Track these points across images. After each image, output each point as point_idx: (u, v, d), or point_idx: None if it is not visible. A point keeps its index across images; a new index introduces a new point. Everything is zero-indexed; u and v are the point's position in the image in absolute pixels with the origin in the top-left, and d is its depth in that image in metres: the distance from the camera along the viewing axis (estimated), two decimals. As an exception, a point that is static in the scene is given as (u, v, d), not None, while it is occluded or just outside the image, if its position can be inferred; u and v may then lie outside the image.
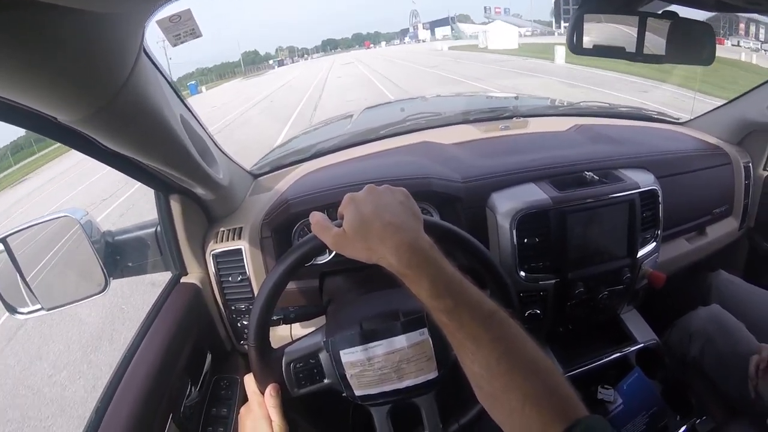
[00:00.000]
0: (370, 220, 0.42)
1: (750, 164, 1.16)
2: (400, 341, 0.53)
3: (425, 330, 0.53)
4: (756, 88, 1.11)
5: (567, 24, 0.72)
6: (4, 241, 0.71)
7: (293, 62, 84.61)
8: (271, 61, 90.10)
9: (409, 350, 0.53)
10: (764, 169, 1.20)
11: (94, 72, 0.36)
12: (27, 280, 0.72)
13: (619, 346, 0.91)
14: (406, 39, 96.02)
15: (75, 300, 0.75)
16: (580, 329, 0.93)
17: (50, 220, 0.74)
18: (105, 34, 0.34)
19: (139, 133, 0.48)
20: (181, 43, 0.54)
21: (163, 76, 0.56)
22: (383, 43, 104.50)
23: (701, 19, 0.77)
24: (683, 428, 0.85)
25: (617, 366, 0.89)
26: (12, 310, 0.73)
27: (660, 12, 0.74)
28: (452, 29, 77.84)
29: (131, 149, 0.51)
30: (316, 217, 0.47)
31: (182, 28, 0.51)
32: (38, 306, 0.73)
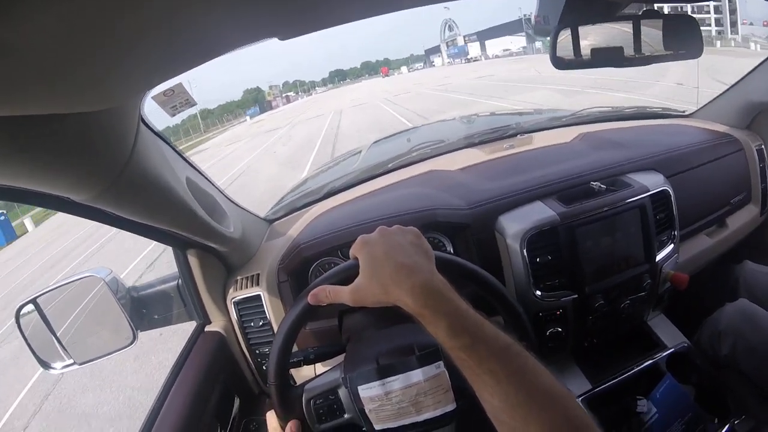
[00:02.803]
0: (384, 263, 0.43)
1: (762, 147, 1.13)
2: (417, 375, 0.54)
3: (441, 363, 0.54)
4: (756, 68, 1.09)
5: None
6: (34, 302, 0.75)
7: (289, 102, 62.74)
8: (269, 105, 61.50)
9: (426, 383, 0.54)
10: None
11: (97, 157, 0.39)
12: (58, 337, 0.76)
13: (649, 354, 0.89)
14: (439, 60, 66.58)
15: (105, 354, 0.79)
16: (606, 342, 0.91)
17: (76, 280, 0.78)
18: (104, 124, 0.37)
19: (147, 202, 0.52)
20: (179, 113, 0.57)
21: (164, 140, 0.59)
22: (404, 69, 74.75)
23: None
24: (724, 431, 0.81)
25: (648, 374, 0.87)
26: (46, 366, 0.77)
27: (640, 13, 0.75)
28: (530, 37, 41.06)
29: (142, 217, 0.54)
30: (324, 292, 0.49)
31: (177, 100, 0.54)
32: (71, 361, 0.77)
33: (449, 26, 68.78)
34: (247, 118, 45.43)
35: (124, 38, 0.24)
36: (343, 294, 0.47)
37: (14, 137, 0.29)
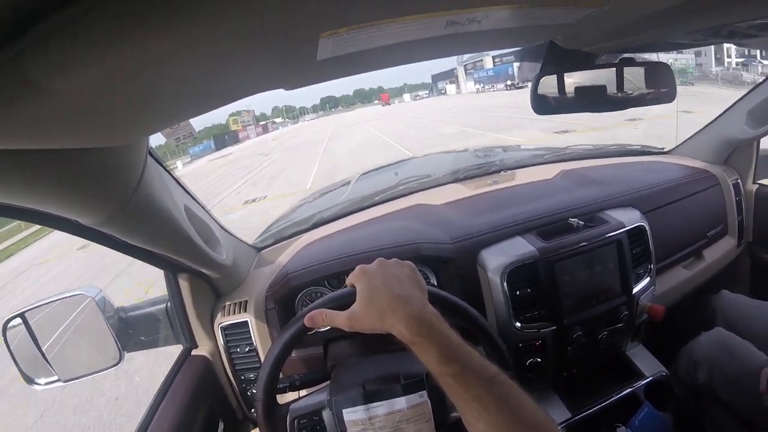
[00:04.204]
0: (381, 292, 0.46)
1: (738, 181, 1.18)
2: (400, 402, 0.56)
3: (424, 393, 0.56)
4: (731, 107, 1.15)
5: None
6: (22, 316, 0.76)
7: (266, 131, 51.28)
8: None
9: (409, 411, 0.56)
10: (754, 183, 1.22)
11: (107, 186, 0.42)
12: (44, 353, 0.76)
13: (627, 383, 0.91)
14: (452, 87, 52.64)
15: (90, 372, 0.79)
16: (585, 371, 0.93)
17: (66, 297, 0.79)
18: (116, 156, 0.40)
19: (150, 228, 0.54)
20: (182, 144, 0.60)
21: (167, 171, 0.62)
22: (406, 96, 65.50)
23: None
24: None
25: (627, 402, 0.89)
26: (30, 381, 0.76)
27: (617, 61, 0.80)
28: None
29: (144, 242, 0.57)
30: (320, 315, 0.51)
31: (181, 132, 0.57)
32: (55, 378, 0.77)
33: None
34: (179, 163, 26.44)
35: (149, 88, 0.27)
36: (339, 319, 0.49)
37: (32, 167, 0.32)
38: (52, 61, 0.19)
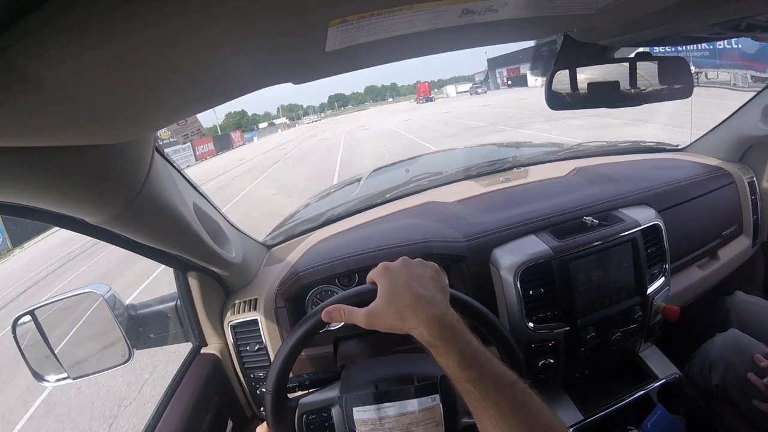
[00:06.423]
0: (403, 292, 0.45)
1: (754, 179, 1.16)
2: (412, 405, 0.55)
3: (437, 396, 0.55)
4: (746, 104, 1.13)
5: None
6: (32, 313, 0.76)
7: (225, 148, 27.90)
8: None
9: (420, 414, 0.55)
10: None
11: (113, 184, 0.41)
12: (54, 350, 0.76)
13: (640, 385, 0.90)
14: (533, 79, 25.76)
15: (100, 370, 0.79)
16: (597, 372, 0.92)
17: (76, 295, 0.79)
18: (122, 153, 0.39)
19: (157, 226, 0.54)
20: (190, 141, 0.59)
21: (174, 167, 0.62)
22: (449, 89, 47.06)
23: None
24: None
25: (640, 405, 0.88)
26: (39, 378, 0.77)
27: (633, 55, 0.78)
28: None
29: (151, 240, 0.57)
30: (338, 311, 0.50)
31: (189, 129, 0.56)
32: (64, 375, 0.77)
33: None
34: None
35: (147, 81, 0.26)
36: (357, 315, 0.48)
37: (38, 165, 0.32)
38: (44, 51, 0.19)
